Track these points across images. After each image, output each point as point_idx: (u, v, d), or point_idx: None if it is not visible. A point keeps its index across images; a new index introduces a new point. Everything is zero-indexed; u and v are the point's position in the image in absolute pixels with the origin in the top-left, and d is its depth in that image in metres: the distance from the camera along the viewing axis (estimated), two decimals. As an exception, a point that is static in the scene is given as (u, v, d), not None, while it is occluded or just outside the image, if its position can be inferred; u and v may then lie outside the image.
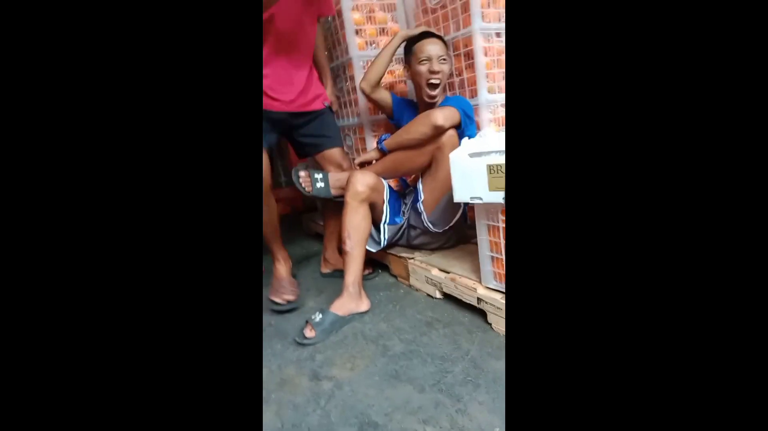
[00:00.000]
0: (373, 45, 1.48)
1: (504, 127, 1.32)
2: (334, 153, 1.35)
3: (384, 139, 1.24)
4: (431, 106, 1.26)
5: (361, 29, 1.46)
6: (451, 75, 1.37)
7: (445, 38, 1.32)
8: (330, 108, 1.36)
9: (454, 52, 1.33)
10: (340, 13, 1.43)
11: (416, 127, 1.14)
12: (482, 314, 0.99)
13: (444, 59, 1.23)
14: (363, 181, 1.16)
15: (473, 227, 1.02)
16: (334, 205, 1.40)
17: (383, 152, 1.24)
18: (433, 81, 1.22)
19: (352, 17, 1.43)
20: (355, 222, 1.15)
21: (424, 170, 1.23)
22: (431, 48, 1.21)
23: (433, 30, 1.27)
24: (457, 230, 1.27)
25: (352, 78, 1.49)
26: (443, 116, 1.11)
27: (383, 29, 1.49)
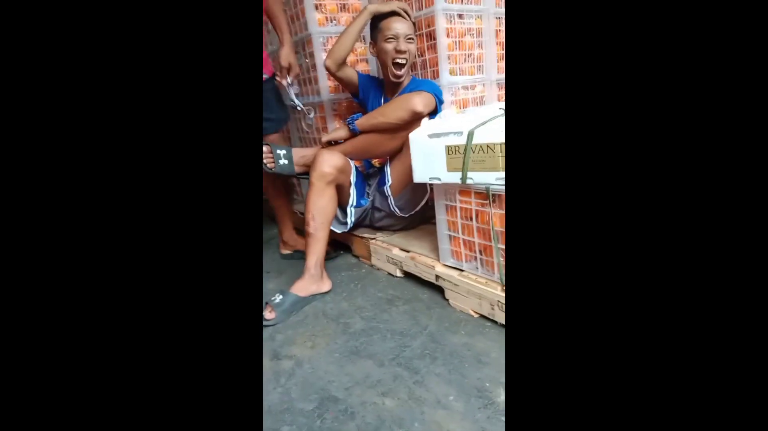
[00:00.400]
0: (334, 21, 1.44)
1: (464, 109, 1.34)
2: (273, 140, 1.27)
3: (356, 119, 1.17)
4: (397, 85, 1.25)
5: (320, 4, 1.41)
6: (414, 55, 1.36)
7: (407, 17, 1.31)
8: (273, 79, 1.24)
9: (416, 32, 1.32)
10: (299, -15, 1.38)
11: (394, 111, 1.11)
12: (440, 291, 1.03)
13: (411, 38, 1.20)
14: (330, 162, 1.12)
15: (433, 207, 1.04)
16: (279, 184, 1.36)
17: (354, 132, 1.18)
18: (398, 60, 1.20)
19: (311, -10, 1.38)
20: (321, 204, 1.12)
21: (393, 154, 1.23)
22: (398, 26, 1.18)
23: (403, 11, 1.21)
24: (421, 213, 1.29)
25: (311, 55, 1.44)
26: (422, 103, 1.09)
27: (344, 5, 1.45)
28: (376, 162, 1.41)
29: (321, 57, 1.42)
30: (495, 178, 0.79)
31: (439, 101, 1.18)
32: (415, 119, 1.10)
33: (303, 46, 1.48)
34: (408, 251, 1.14)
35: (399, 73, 1.22)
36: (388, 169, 1.24)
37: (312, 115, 1.42)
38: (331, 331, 0.95)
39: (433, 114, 1.16)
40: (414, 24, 1.23)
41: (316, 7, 1.40)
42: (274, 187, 1.36)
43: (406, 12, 1.20)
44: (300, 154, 1.24)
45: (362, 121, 1.16)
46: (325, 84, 1.46)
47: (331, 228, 1.19)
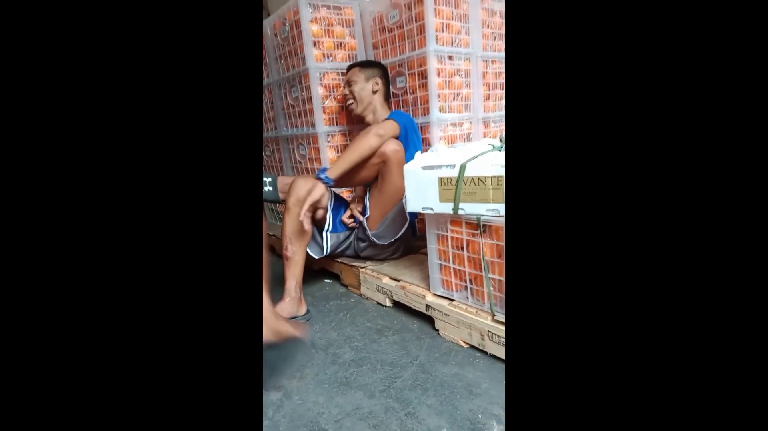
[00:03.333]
0: (330, 58, 1.51)
1: (454, 144, 1.40)
2: None
3: (325, 170, 1.15)
4: (368, 123, 1.36)
5: (318, 41, 1.48)
6: (405, 92, 1.43)
7: (401, 57, 1.40)
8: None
9: (408, 70, 1.39)
10: (298, 24, 1.45)
11: (363, 143, 1.16)
12: (430, 321, 1.03)
13: (352, 81, 1.34)
14: (306, 186, 1.13)
15: (422, 238, 1.06)
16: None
17: (328, 184, 1.15)
18: (347, 103, 1.39)
19: (310, 29, 1.45)
20: (296, 228, 1.14)
21: (372, 184, 1.27)
22: (348, 74, 1.37)
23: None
24: (404, 241, 1.31)
25: (308, 88, 1.49)
26: (383, 127, 1.19)
27: (341, 43, 1.53)
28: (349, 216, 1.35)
29: (317, 91, 1.48)
30: (486, 209, 0.82)
31: (409, 128, 1.26)
32: (383, 141, 1.18)
33: (300, 79, 1.54)
34: (398, 280, 1.14)
35: (354, 112, 1.39)
36: (368, 202, 1.28)
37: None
38: (319, 361, 0.93)
39: (403, 142, 1.24)
40: (363, 68, 1.36)
41: (315, 44, 1.47)
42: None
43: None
44: (284, 181, 1.28)
45: (333, 169, 1.15)
46: (320, 116, 1.50)
47: (309, 251, 1.21)
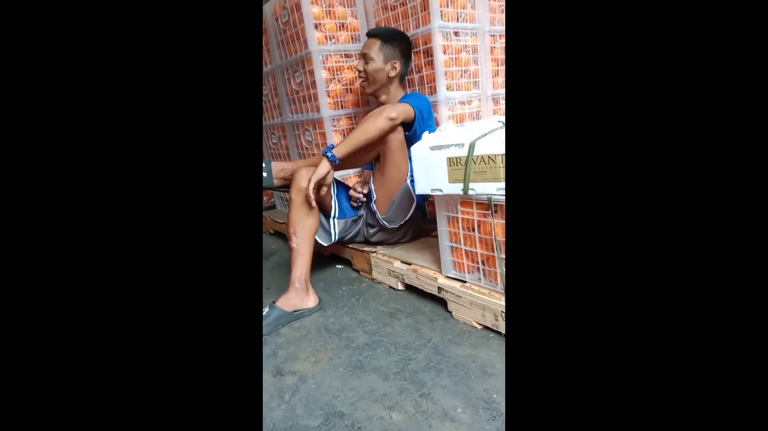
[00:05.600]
0: (333, 40, 1.47)
1: (462, 123, 1.37)
2: None
3: (332, 148, 1.11)
4: (388, 101, 1.30)
5: (320, 23, 1.45)
6: (411, 71, 1.39)
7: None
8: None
9: (413, 48, 1.36)
10: (299, 6, 1.41)
11: (372, 125, 1.11)
12: (443, 303, 1.02)
13: (369, 57, 1.25)
14: (308, 176, 1.10)
15: (432, 221, 1.05)
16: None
17: (333, 163, 1.10)
18: (359, 81, 1.32)
19: (311, 11, 1.41)
20: (301, 219, 1.12)
21: (374, 169, 1.25)
22: (364, 46, 1.28)
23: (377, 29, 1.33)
24: (414, 224, 1.29)
25: (311, 72, 1.47)
26: (396, 110, 1.13)
27: (343, 24, 1.49)
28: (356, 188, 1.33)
29: (320, 74, 1.45)
30: (496, 188, 0.80)
31: (425, 112, 1.21)
32: (392, 126, 1.14)
33: (303, 64, 1.51)
34: (409, 263, 1.13)
35: (365, 90, 1.33)
36: (372, 185, 1.26)
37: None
38: (333, 346, 0.94)
39: (409, 129, 1.19)
40: (385, 40, 1.26)
41: (316, 27, 1.44)
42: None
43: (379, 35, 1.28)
44: (279, 167, 1.26)
45: (341, 149, 1.10)
46: (325, 100, 1.48)
47: (318, 239, 1.19)
